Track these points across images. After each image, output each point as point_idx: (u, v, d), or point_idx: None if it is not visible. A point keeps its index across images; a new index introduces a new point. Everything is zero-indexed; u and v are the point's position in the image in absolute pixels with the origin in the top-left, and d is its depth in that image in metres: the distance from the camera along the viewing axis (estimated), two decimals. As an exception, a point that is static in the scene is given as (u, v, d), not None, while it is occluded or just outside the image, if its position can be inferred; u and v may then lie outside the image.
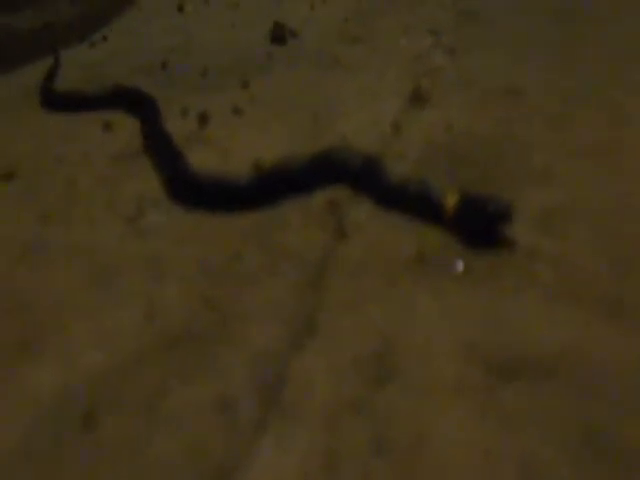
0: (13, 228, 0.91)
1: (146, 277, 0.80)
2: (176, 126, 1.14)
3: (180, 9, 2.06)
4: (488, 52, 1.44)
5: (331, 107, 1.23)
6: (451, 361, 0.65)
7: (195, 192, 0.94)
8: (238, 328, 0.71)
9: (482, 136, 1.07)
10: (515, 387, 0.61)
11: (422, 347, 0.67)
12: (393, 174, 0.90)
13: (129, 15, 2.07)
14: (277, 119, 1.20)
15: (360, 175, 0.92)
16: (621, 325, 0.67)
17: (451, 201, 0.81)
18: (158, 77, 1.46)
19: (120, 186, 1.00)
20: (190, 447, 0.58)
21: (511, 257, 0.78)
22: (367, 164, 0.92)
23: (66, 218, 0.93)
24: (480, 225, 0.80)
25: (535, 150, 1.01)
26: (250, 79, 1.37)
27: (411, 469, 0.55)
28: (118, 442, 0.59)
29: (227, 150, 1.08)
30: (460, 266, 0.77)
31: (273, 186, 0.93)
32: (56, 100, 1.33)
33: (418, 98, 1.21)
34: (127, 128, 1.18)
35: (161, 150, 1.05)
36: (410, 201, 0.86)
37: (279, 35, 1.64)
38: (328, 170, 0.94)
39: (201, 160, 1.00)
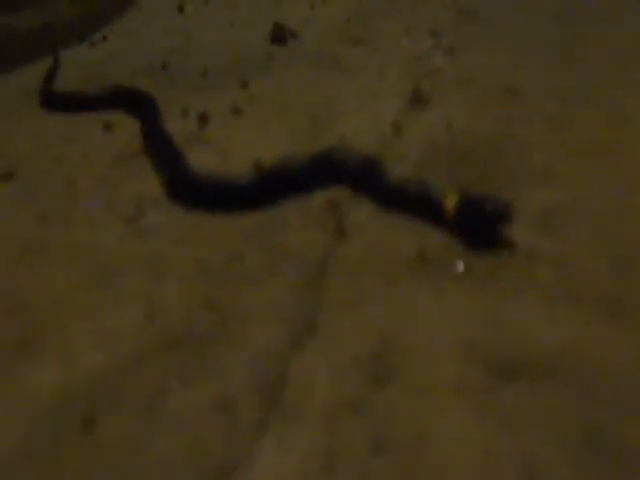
0: (13, 228, 0.91)
1: (146, 277, 0.80)
2: (176, 126, 1.14)
3: (180, 9, 2.06)
4: (488, 51, 1.44)
5: (331, 107, 1.23)
6: (451, 361, 0.65)
7: (195, 192, 0.94)
8: (238, 328, 0.71)
9: (482, 136, 1.07)
10: (515, 387, 0.61)
11: (422, 347, 0.67)
12: (393, 174, 0.90)
13: (129, 15, 2.07)
14: (277, 119, 1.20)
15: (360, 175, 0.92)
16: (621, 325, 0.67)
17: (451, 202, 0.81)
18: (158, 77, 1.46)
19: (120, 186, 1.00)
20: (190, 447, 0.58)
21: (511, 257, 0.78)
22: (367, 164, 0.92)
23: (66, 218, 0.93)
24: (480, 225, 0.80)
25: (535, 150, 1.01)
26: (250, 79, 1.37)
27: (411, 469, 0.55)
28: (118, 442, 0.59)
29: (227, 150, 1.08)
30: (460, 266, 0.77)
31: (273, 186, 0.93)
32: (56, 100, 1.33)
33: (418, 99, 1.21)
34: (127, 128, 1.18)
35: (161, 150, 1.05)
36: (410, 202, 0.86)
37: (279, 35, 1.64)
38: (328, 170, 0.94)
39: (201, 160, 1.00)
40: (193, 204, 0.93)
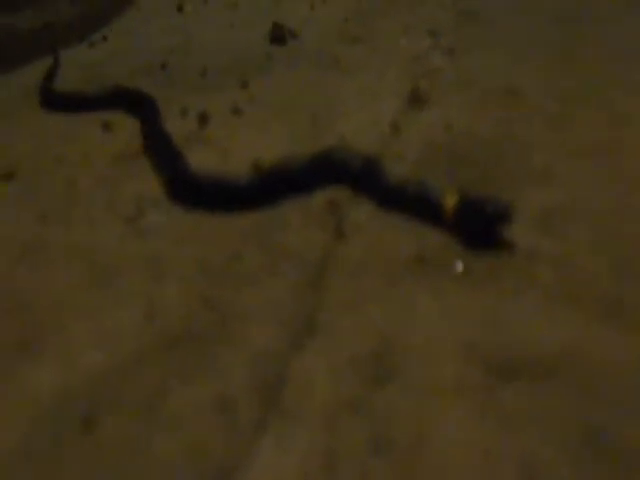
0: (13, 228, 0.91)
1: (146, 277, 0.80)
2: (176, 126, 1.14)
3: (179, 9, 2.06)
4: (488, 52, 1.44)
5: (331, 107, 1.23)
6: (451, 361, 0.65)
7: (195, 192, 0.94)
8: (238, 328, 0.71)
9: (482, 136, 1.07)
10: (515, 387, 0.61)
11: (422, 347, 0.67)
12: (392, 175, 0.90)
13: (129, 15, 2.07)
14: (277, 119, 1.20)
15: (360, 176, 0.92)
16: (621, 325, 0.67)
17: (450, 202, 0.81)
18: (157, 77, 1.46)
19: (120, 186, 1.00)
20: (190, 447, 0.58)
21: (511, 257, 0.78)
22: (367, 165, 0.92)
23: (66, 218, 0.93)
24: (479, 226, 0.80)
25: (535, 150, 1.01)
26: (249, 79, 1.37)
27: (410, 469, 0.55)
28: (118, 442, 0.59)
29: (227, 150, 1.08)
30: (460, 266, 0.77)
31: (273, 186, 0.93)
32: (56, 100, 1.33)
33: (416, 99, 1.21)
34: (127, 128, 1.18)
35: (161, 150, 1.05)
36: (409, 202, 0.86)
37: (278, 35, 1.64)
38: (328, 170, 0.94)
39: (201, 160, 1.00)
40: (193, 204, 0.93)
